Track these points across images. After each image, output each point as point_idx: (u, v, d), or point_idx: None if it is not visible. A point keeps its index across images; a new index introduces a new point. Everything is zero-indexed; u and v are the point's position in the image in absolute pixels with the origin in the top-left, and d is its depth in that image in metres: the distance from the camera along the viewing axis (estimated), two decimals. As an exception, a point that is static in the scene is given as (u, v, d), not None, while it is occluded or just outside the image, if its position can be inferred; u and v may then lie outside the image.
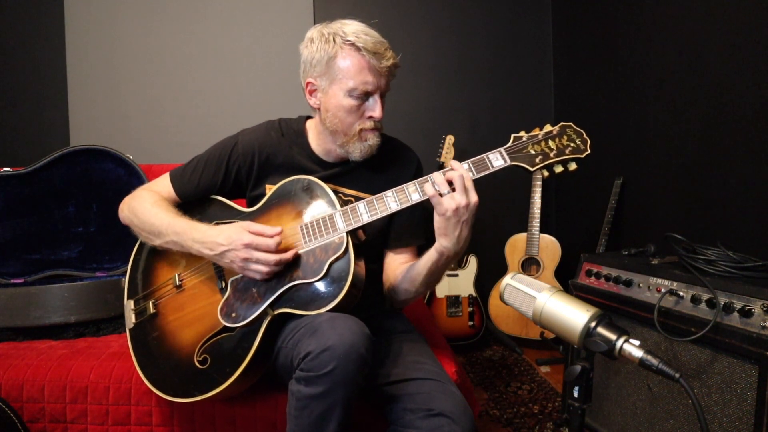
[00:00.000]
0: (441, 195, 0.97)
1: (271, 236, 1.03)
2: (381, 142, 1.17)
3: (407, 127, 2.68)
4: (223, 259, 1.06)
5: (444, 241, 1.01)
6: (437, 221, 1.00)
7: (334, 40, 1.09)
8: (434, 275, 1.10)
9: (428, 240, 1.14)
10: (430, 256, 1.07)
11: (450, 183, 0.99)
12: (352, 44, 1.07)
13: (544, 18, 2.82)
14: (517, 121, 2.78)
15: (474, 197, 0.98)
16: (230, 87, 2.58)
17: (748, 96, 1.55)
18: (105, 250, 1.81)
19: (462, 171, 0.99)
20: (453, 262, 1.09)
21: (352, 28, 1.09)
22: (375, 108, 1.11)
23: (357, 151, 1.15)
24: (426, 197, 1.01)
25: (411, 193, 1.03)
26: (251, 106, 2.59)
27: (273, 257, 1.01)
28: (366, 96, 1.11)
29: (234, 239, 1.03)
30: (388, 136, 1.31)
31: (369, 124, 1.12)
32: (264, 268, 1.02)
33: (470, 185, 0.98)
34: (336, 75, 1.10)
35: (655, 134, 2.00)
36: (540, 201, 2.45)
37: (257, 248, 1.02)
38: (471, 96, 2.78)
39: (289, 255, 1.03)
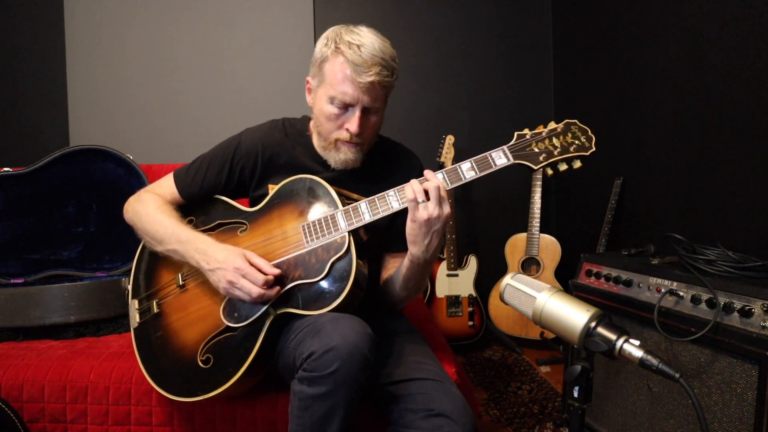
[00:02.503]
0: (417, 203, 0.98)
1: (265, 273, 1.02)
2: (383, 149, 1.17)
3: (407, 127, 2.68)
4: (213, 276, 1.06)
5: (413, 249, 1.03)
6: (409, 227, 1.01)
7: (330, 44, 1.09)
8: (411, 282, 1.12)
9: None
10: (404, 264, 1.10)
11: (426, 192, 0.99)
12: (341, 52, 1.06)
13: (544, 18, 2.82)
14: (517, 121, 2.78)
15: (447, 209, 0.99)
16: (230, 87, 2.58)
17: (748, 96, 1.55)
18: (105, 250, 1.80)
19: (438, 182, 0.99)
20: (426, 270, 1.11)
21: (353, 37, 1.06)
22: (352, 121, 1.09)
23: (332, 160, 1.16)
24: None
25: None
26: (251, 107, 2.59)
27: (256, 290, 1.01)
28: (346, 107, 1.09)
29: (229, 261, 1.03)
30: (392, 141, 1.31)
31: (344, 135, 1.11)
32: (245, 296, 1.02)
33: (445, 196, 0.99)
34: (324, 79, 1.10)
35: (655, 134, 2.00)
36: (540, 201, 2.45)
37: (245, 276, 1.01)
38: (471, 96, 2.78)
39: (272, 293, 1.02)
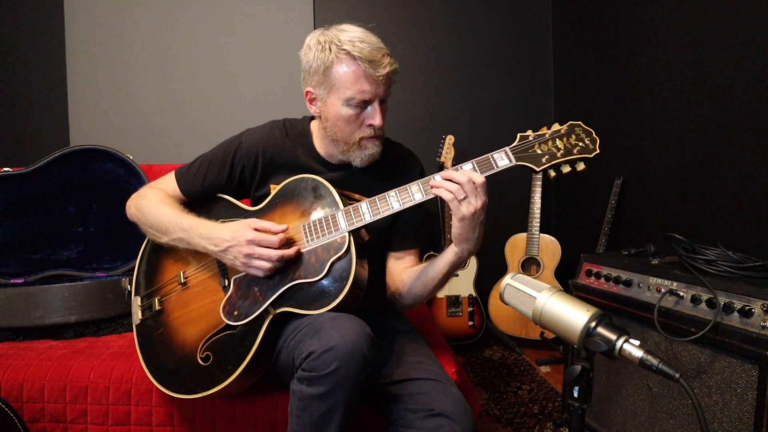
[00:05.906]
0: (459, 201, 0.96)
1: (276, 233, 1.03)
2: (384, 149, 1.17)
3: (407, 127, 2.68)
4: (226, 256, 1.06)
5: (464, 246, 1.02)
6: (456, 227, 0.99)
7: (330, 49, 1.07)
8: (448, 277, 1.12)
9: (428, 243, 1.13)
10: (447, 259, 1.07)
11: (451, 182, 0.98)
12: (348, 53, 1.05)
13: (544, 18, 2.82)
14: (517, 121, 2.78)
15: (485, 197, 0.98)
16: (230, 87, 2.58)
17: (748, 96, 1.55)
18: (105, 250, 1.81)
19: (472, 175, 0.97)
20: (466, 263, 1.09)
21: (349, 36, 1.06)
22: (374, 116, 1.10)
23: (358, 159, 1.16)
24: (429, 197, 1.01)
25: (414, 193, 1.03)
26: (251, 107, 2.59)
27: (275, 253, 1.01)
28: (364, 104, 1.09)
29: (238, 235, 1.04)
30: (392, 141, 1.31)
31: (368, 132, 1.12)
32: (266, 264, 1.02)
33: (481, 186, 0.97)
34: (333, 84, 1.09)
35: (655, 134, 2.00)
36: (540, 201, 2.45)
37: (260, 244, 1.02)
38: (471, 96, 2.78)
39: (291, 251, 1.03)
